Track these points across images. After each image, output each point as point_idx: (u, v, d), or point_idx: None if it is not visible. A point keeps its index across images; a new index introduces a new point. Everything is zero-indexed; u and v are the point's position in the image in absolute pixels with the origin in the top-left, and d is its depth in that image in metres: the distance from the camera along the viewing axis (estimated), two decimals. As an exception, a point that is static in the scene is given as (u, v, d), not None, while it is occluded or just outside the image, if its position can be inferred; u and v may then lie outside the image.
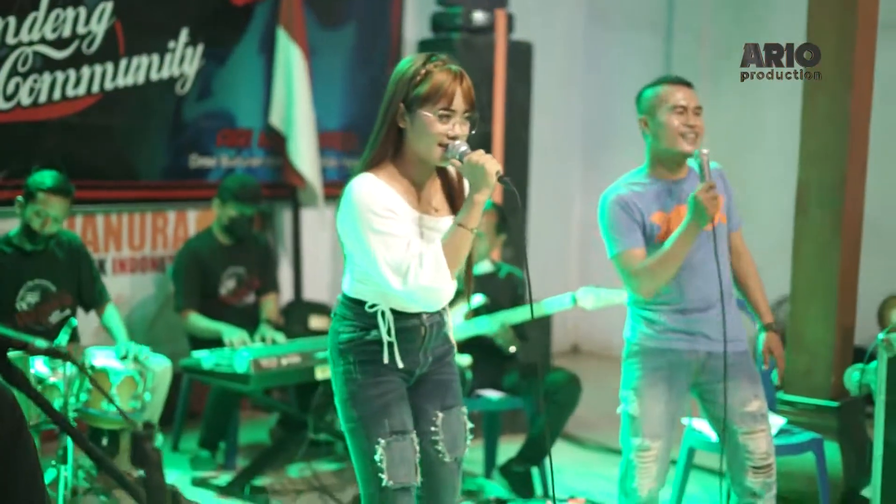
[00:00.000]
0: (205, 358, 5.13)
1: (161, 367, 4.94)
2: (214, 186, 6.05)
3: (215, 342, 5.50)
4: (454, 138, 2.93)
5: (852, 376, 4.24)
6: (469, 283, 3.16)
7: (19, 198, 4.85)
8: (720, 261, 3.76)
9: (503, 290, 5.39)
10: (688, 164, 3.89)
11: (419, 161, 2.98)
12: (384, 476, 3.00)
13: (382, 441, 3.01)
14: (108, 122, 5.91)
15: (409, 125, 2.95)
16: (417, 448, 3.07)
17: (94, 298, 5.13)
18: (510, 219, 5.48)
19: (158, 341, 5.70)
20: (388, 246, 2.88)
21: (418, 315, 3.05)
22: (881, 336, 3.94)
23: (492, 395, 5.32)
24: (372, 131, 3.02)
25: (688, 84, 3.88)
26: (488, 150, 6.31)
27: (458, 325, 5.24)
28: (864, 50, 4.74)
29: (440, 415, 3.13)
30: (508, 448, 5.45)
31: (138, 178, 6.14)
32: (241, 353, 4.94)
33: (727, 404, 3.77)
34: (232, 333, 5.48)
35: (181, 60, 6.15)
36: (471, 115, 2.96)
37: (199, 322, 5.66)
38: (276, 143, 6.58)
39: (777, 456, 4.31)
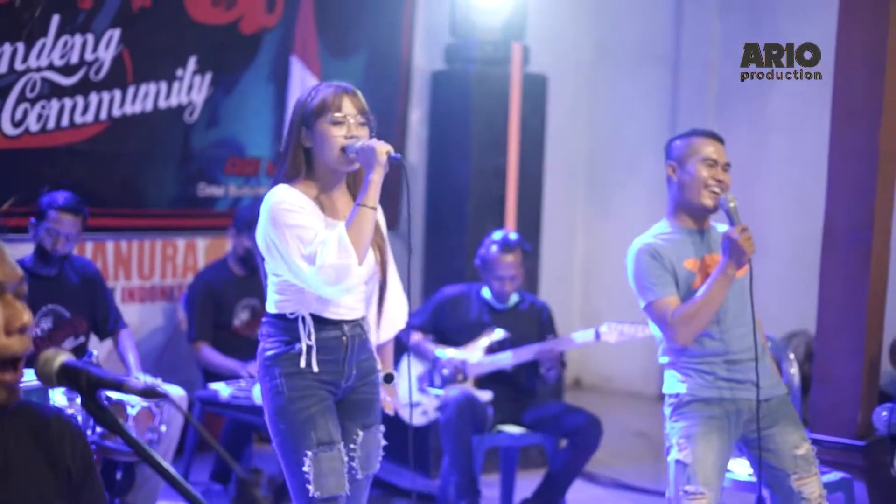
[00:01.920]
0: (222, 390, 5.06)
1: (176, 397, 4.86)
2: (222, 215, 6.00)
3: (228, 374, 5.43)
4: (351, 139, 3.20)
5: (882, 414, 4.20)
6: (384, 291, 3.38)
7: (32, 219, 4.78)
8: (752, 308, 3.79)
9: (527, 321, 5.34)
10: (709, 220, 3.92)
11: (328, 172, 3.25)
12: (311, 487, 3.14)
13: (309, 453, 3.16)
14: (117, 149, 5.86)
15: (313, 140, 3.23)
16: (346, 458, 3.23)
17: (108, 325, 5.05)
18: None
19: (169, 370, 5.62)
20: (301, 238, 3.12)
21: (339, 325, 3.25)
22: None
23: (512, 430, 5.26)
24: (279, 159, 3.33)
25: (720, 139, 3.92)
26: (503, 181, 6.31)
27: (479, 361, 5.20)
28: (894, 83, 4.72)
29: (360, 433, 3.31)
30: (525, 483, 5.39)
31: (146, 206, 6.08)
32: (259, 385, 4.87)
33: (779, 450, 3.76)
34: (249, 371, 5.38)
35: (189, 88, 6.11)
36: (366, 121, 3.25)
37: (212, 357, 5.58)
38: (286, 172, 6.53)
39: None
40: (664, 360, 3.88)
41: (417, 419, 5.24)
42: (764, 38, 7.72)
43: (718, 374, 3.78)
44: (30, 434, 1.84)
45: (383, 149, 3.15)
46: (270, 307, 3.30)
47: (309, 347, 3.21)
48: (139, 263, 6.09)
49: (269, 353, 3.26)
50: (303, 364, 3.20)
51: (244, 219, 5.73)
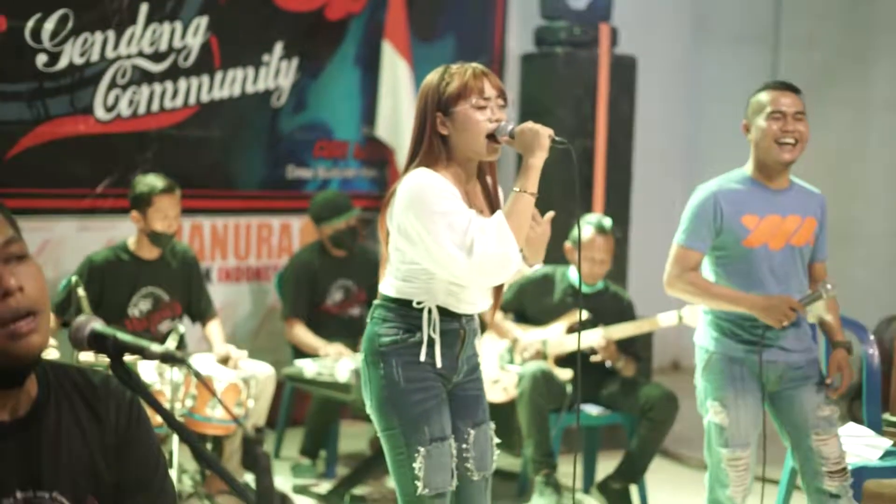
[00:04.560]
0: (307, 367, 5.20)
1: (264, 374, 5.02)
2: (311, 197, 6.16)
3: (312, 353, 5.56)
4: (497, 122, 2.99)
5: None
6: (499, 293, 3.21)
7: (134, 212, 4.98)
8: (801, 279, 3.89)
9: (609, 308, 5.37)
10: (790, 178, 3.91)
11: (466, 161, 3.05)
12: (419, 484, 3.01)
13: (422, 450, 3.02)
14: (206, 133, 6.07)
15: (452, 127, 3.02)
16: (455, 452, 3.08)
17: (200, 310, 5.25)
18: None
19: (262, 349, 5.79)
20: (451, 225, 2.89)
21: (458, 318, 3.08)
22: None
23: (591, 409, 5.30)
24: (412, 145, 3.08)
25: (792, 89, 3.87)
26: (591, 163, 6.32)
27: (560, 340, 5.25)
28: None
29: (472, 432, 3.14)
30: (607, 464, 5.42)
31: (235, 188, 6.27)
32: (343, 362, 5.00)
33: (802, 410, 3.85)
34: (330, 349, 5.50)
35: (276, 73, 6.27)
36: (505, 102, 3.04)
37: (302, 335, 5.71)
38: (372, 154, 6.66)
39: (883, 478, 4.26)
40: (705, 309, 3.97)
41: (498, 396, 5.30)
42: (863, 18, 7.63)
43: (748, 336, 3.84)
44: (79, 396, 1.94)
45: (546, 132, 2.96)
46: (389, 291, 3.08)
47: (431, 340, 3.04)
48: (235, 244, 6.27)
49: (386, 339, 3.06)
50: (423, 357, 3.03)
51: (314, 213, 5.86)
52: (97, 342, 1.80)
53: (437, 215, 2.90)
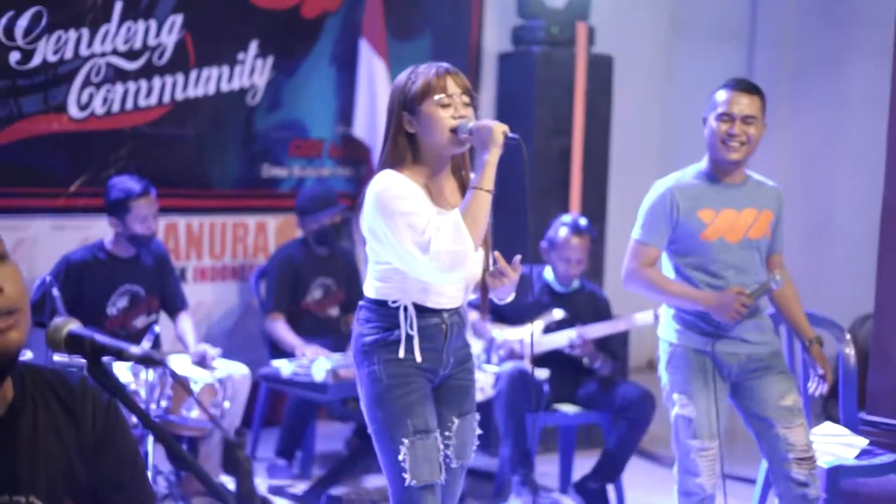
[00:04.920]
0: (284, 367, 5.18)
1: (240, 374, 5.00)
2: (287, 196, 6.13)
3: (289, 351, 5.54)
4: (460, 119, 3.07)
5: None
6: (486, 297, 3.27)
7: (111, 218, 4.98)
8: (760, 271, 3.98)
9: (585, 307, 5.37)
10: (745, 172, 3.99)
11: (434, 158, 3.14)
12: (407, 476, 3.09)
13: (406, 441, 3.10)
14: (180, 131, 6.04)
15: (418, 125, 3.11)
16: (441, 446, 3.17)
17: (176, 304, 5.25)
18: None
19: (237, 349, 5.76)
20: (411, 225, 3.01)
21: (439, 313, 3.16)
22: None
23: (567, 409, 5.30)
24: (382, 146, 3.18)
25: (750, 90, 3.89)
26: (567, 163, 6.32)
27: (536, 340, 5.25)
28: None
29: (456, 421, 3.25)
30: (584, 463, 5.42)
31: (210, 187, 6.24)
32: (319, 362, 4.98)
33: (765, 399, 3.92)
34: (307, 350, 5.48)
35: (251, 72, 6.24)
36: (471, 100, 3.12)
37: (282, 331, 5.68)
38: (348, 153, 6.64)
39: (859, 477, 4.28)
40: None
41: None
42: (838, 15, 7.66)
43: (710, 328, 3.90)
44: (55, 399, 1.93)
45: (500, 128, 3.04)
46: (369, 292, 3.20)
47: (409, 337, 3.13)
48: (210, 243, 6.24)
49: (368, 339, 3.17)
50: (402, 354, 3.13)
51: (299, 207, 5.87)
52: (74, 344, 1.79)
53: (398, 216, 3.02)
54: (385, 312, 3.15)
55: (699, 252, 3.93)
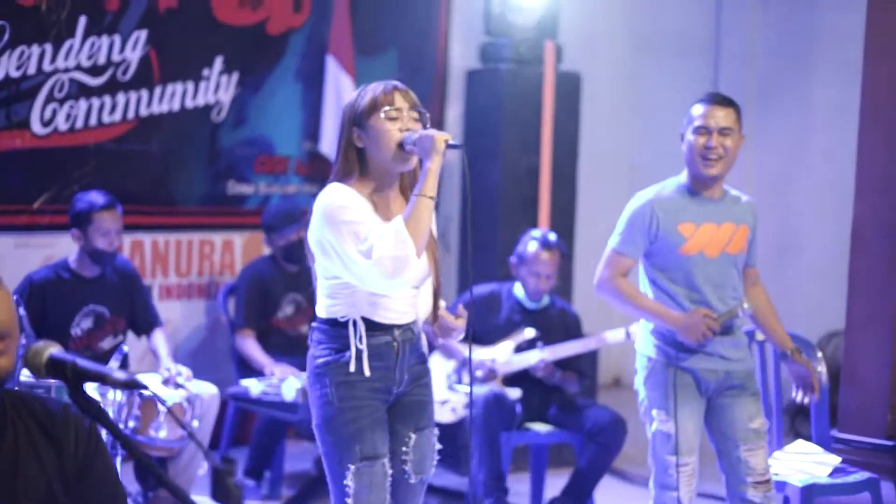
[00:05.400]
0: (253, 386, 5.12)
1: (209, 394, 4.94)
2: (252, 213, 6.08)
3: (258, 369, 5.48)
4: (407, 132, 3.11)
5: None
6: (438, 297, 3.26)
7: (75, 230, 4.88)
8: (736, 286, 3.98)
9: (556, 324, 5.36)
10: (723, 187, 4.00)
11: (383, 172, 3.17)
12: (350, 501, 3.11)
13: (352, 467, 3.11)
14: (145, 148, 5.97)
15: (367, 139, 3.15)
16: (389, 472, 3.17)
17: (146, 322, 5.15)
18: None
19: (205, 368, 5.69)
20: (356, 234, 3.05)
21: (390, 330, 3.16)
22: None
23: (539, 428, 5.27)
24: (335, 162, 3.24)
25: (725, 103, 3.91)
26: (535, 180, 6.31)
27: (508, 359, 5.22)
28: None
29: (413, 436, 3.24)
30: (554, 482, 5.39)
31: (175, 204, 6.17)
32: (289, 381, 4.93)
33: (735, 420, 3.93)
34: (276, 369, 5.42)
35: (216, 88, 6.19)
36: (419, 115, 3.17)
37: (252, 348, 5.61)
38: (314, 170, 6.60)
39: (832, 495, 4.29)
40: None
41: (446, 416, 5.27)
42: (803, 29, 7.70)
43: (686, 344, 3.89)
44: (36, 425, 1.90)
45: (441, 137, 3.08)
46: (321, 312, 3.22)
47: (359, 351, 3.13)
48: (176, 261, 6.17)
49: (320, 360, 3.18)
50: (352, 369, 3.13)
51: (266, 224, 5.83)
52: (55, 369, 1.74)
53: (343, 225, 3.06)
54: (336, 333, 3.16)
55: (678, 266, 3.93)
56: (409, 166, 3.18)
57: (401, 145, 3.12)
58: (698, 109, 3.90)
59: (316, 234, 3.13)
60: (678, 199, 3.94)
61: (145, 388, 1.67)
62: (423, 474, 3.26)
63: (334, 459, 3.15)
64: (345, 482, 3.11)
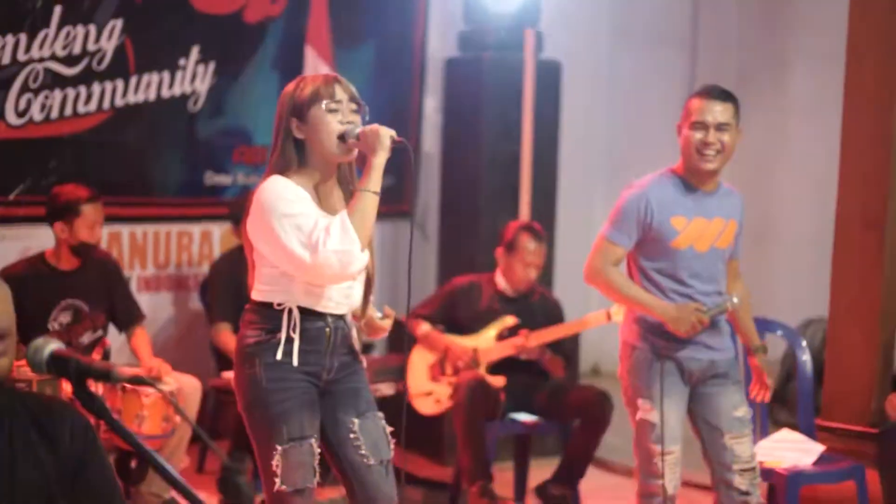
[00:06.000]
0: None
1: (191, 386, 4.89)
2: (230, 204, 6.02)
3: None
4: (347, 125, 3.14)
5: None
6: (370, 292, 3.29)
7: (58, 223, 4.82)
8: (723, 280, 4.03)
9: (537, 311, 5.35)
10: (715, 181, 3.98)
11: (322, 163, 3.19)
12: (277, 480, 3.13)
13: (280, 447, 3.13)
14: (121, 138, 5.89)
15: (307, 130, 3.17)
16: (317, 451, 3.18)
17: (128, 317, 5.08)
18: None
19: (184, 360, 5.62)
20: (298, 226, 3.05)
21: (324, 317, 3.19)
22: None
23: (523, 417, 5.26)
24: (270, 153, 3.25)
25: (721, 97, 3.89)
26: (516, 169, 6.29)
27: (490, 347, 5.21)
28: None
29: (356, 421, 3.26)
30: (538, 472, 5.38)
31: (152, 195, 6.11)
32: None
33: (720, 409, 3.96)
34: None
35: (193, 77, 6.12)
36: (358, 107, 3.19)
37: (230, 341, 5.57)
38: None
39: (817, 483, 4.29)
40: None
41: (430, 407, 5.25)
42: (782, 20, 7.72)
43: (675, 334, 3.89)
44: (32, 423, 1.88)
45: (387, 132, 3.10)
46: (256, 295, 3.25)
47: (290, 339, 3.16)
48: (154, 252, 6.12)
49: (250, 340, 3.20)
50: (279, 356, 3.15)
51: (234, 214, 5.75)
52: (57, 366, 1.70)
53: (285, 218, 3.07)
54: (268, 314, 3.18)
55: (668, 258, 3.93)
56: (349, 158, 3.20)
57: (341, 137, 3.14)
58: (696, 103, 3.86)
59: (256, 226, 3.15)
60: (673, 191, 3.92)
61: (151, 384, 1.64)
62: (383, 456, 3.27)
63: (261, 439, 3.17)
64: (272, 462, 3.13)
